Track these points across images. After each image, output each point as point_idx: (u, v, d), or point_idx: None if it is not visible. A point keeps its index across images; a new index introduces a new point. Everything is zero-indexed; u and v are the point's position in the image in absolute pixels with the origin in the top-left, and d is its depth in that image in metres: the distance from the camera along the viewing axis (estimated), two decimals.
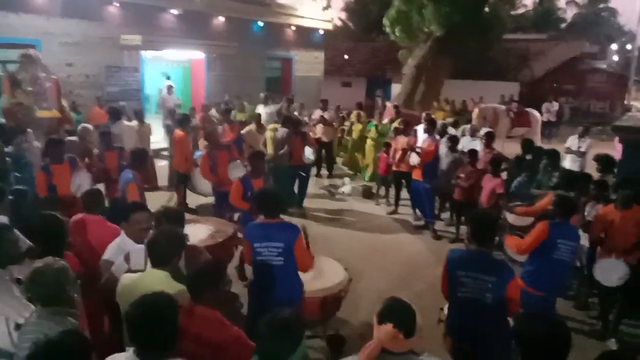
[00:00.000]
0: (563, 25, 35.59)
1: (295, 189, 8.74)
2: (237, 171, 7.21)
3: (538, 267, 4.24)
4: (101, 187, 5.73)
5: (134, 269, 3.32)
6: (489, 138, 8.37)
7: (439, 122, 9.58)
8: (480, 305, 3.25)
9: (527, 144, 8.10)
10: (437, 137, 8.48)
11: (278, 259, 3.67)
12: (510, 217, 5.93)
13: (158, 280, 2.72)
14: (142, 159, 5.75)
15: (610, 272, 4.63)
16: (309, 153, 8.55)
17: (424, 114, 9.94)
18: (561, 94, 23.15)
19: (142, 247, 3.18)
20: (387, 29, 14.87)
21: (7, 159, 6.17)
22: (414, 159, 7.91)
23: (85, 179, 5.74)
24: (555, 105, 17.77)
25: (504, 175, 7.36)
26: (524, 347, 2.23)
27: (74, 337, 2.10)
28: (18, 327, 2.67)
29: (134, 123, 9.09)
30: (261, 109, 11.81)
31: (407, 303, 2.37)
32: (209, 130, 7.92)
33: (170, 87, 13.63)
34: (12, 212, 4.13)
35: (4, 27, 10.50)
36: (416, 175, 8.03)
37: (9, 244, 3.02)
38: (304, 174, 8.71)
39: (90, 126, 8.32)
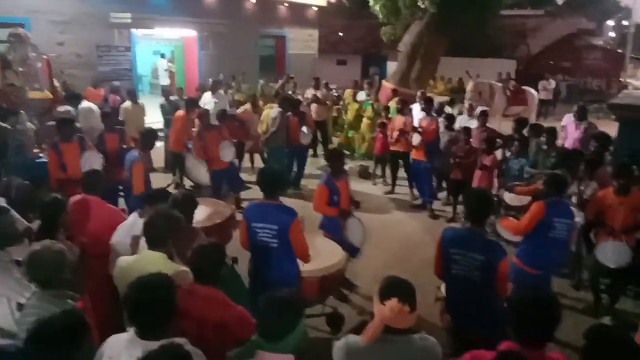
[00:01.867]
0: (560, 2, 35.23)
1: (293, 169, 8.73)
2: (226, 151, 7.20)
3: (535, 246, 4.27)
4: None
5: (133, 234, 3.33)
6: (484, 116, 8.35)
7: (436, 101, 9.51)
8: (471, 283, 3.29)
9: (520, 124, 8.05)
10: (435, 115, 8.46)
11: (273, 241, 3.68)
12: (507, 197, 5.94)
13: (155, 262, 2.72)
14: (151, 139, 5.76)
15: (614, 254, 4.65)
16: (306, 133, 8.49)
17: (419, 93, 9.88)
18: (558, 71, 23.05)
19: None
20: (372, 4, 14.70)
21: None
22: (415, 138, 7.88)
23: (97, 159, 5.73)
24: (552, 83, 17.70)
25: (499, 153, 7.36)
26: (514, 318, 2.27)
27: (72, 317, 2.11)
28: (20, 307, 2.68)
29: (128, 103, 9.00)
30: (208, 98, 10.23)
31: (405, 280, 2.40)
32: (200, 110, 7.82)
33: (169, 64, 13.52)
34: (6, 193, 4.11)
35: None
36: (417, 154, 8.04)
37: (7, 225, 3.05)
38: (301, 154, 8.66)
39: (94, 105, 8.25)
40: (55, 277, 2.56)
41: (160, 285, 2.24)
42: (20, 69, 7.88)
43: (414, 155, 8.15)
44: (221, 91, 11.02)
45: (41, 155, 6.66)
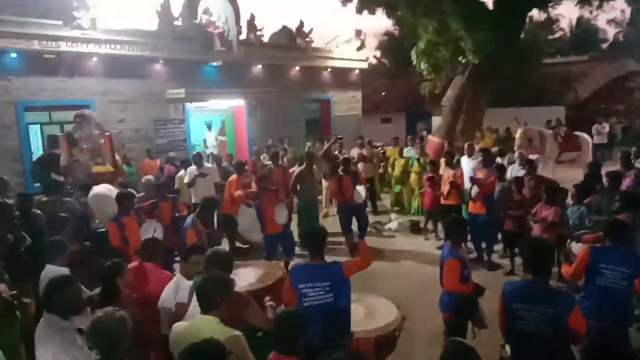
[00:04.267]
0: (604, 46, 34.70)
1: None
2: (281, 214, 7.33)
3: (585, 295, 4.06)
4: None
5: (177, 301, 3.38)
6: (531, 165, 8.14)
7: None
8: (540, 338, 3.07)
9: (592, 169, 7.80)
10: (493, 167, 8.28)
11: (328, 296, 3.63)
12: (574, 248, 5.64)
13: (208, 327, 2.73)
14: (209, 207, 5.98)
15: None
16: (359, 192, 8.44)
17: (466, 145, 9.80)
18: (610, 115, 22.35)
19: (190, 283, 3.24)
20: (414, 62, 15.00)
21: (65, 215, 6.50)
22: (474, 190, 7.75)
23: (159, 229, 5.97)
24: (606, 127, 17.14)
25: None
26: None
27: None
28: None
29: (182, 172, 9.41)
30: None
31: (468, 346, 2.28)
32: (259, 174, 8.10)
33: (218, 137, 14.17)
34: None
35: (61, 91, 11.26)
36: (474, 208, 7.85)
37: (72, 295, 3.14)
38: (359, 213, 8.64)
39: (152, 177, 8.69)
40: (116, 344, 2.61)
41: (212, 352, 2.24)
42: (85, 146, 8.49)
43: (470, 208, 7.95)
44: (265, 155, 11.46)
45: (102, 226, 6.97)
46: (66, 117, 10.88)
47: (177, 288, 3.68)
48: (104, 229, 6.42)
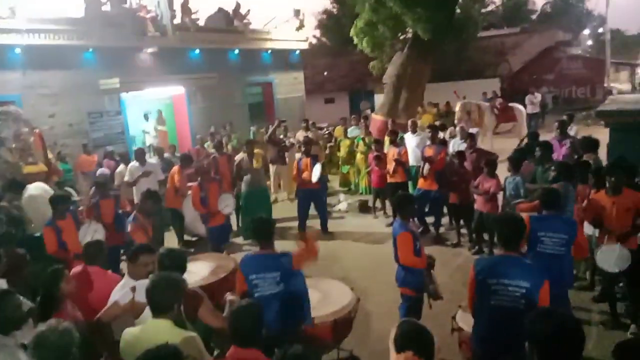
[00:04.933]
0: (534, 17, 36.16)
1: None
2: (226, 203, 7.22)
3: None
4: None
5: (136, 300, 3.26)
6: (472, 139, 8.41)
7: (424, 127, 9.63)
8: (514, 312, 3.12)
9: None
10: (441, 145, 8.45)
11: (277, 288, 3.68)
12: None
13: (161, 332, 2.65)
14: (152, 201, 5.75)
15: (612, 258, 4.58)
16: (316, 170, 8.31)
17: (409, 122, 9.98)
18: (542, 85, 23.44)
19: (147, 281, 3.13)
20: (356, 41, 15.05)
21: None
22: (426, 168, 7.87)
23: (99, 230, 5.71)
24: (537, 97, 17.94)
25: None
26: (537, 346, 2.19)
27: None
28: None
29: (122, 167, 9.04)
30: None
31: (422, 326, 2.32)
32: (200, 163, 7.87)
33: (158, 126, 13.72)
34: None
35: None
36: (426, 185, 7.98)
37: (12, 309, 2.97)
38: (318, 197, 8.61)
39: (107, 171, 8.29)
40: (64, 357, 2.50)
41: (168, 359, 2.18)
42: (14, 145, 7.97)
43: (421, 185, 8.08)
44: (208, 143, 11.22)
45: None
46: None
47: (125, 288, 3.52)
48: (40, 234, 6.08)
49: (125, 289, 3.43)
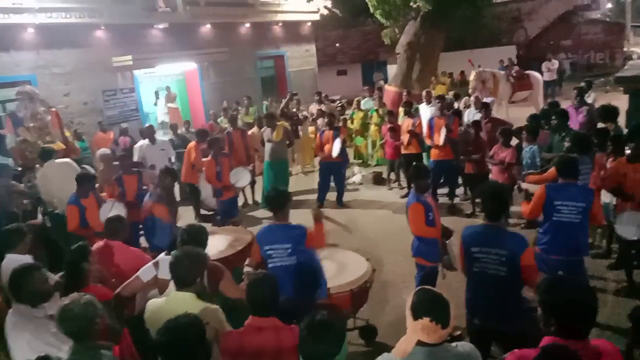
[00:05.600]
0: None
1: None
2: (240, 177, 7.26)
3: (545, 231, 4.29)
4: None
5: (160, 277, 3.35)
6: (487, 108, 8.30)
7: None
8: (496, 279, 3.26)
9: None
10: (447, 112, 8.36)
11: (291, 259, 3.77)
12: (526, 185, 5.88)
13: (183, 303, 2.72)
14: (172, 176, 5.81)
15: (630, 225, 4.53)
16: (336, 145, 8.30)
17: (424, 92, 9.87)
18: (559, 51, 22.83)
19: (168, 257, 3.19)
20: (372, 10, 14.77)
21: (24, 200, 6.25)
22: (442, 137, 7.77)
23: (120, 209, 5.70)
24: (555, 64, 17.51)
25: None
26: (550, 314, 2.21)
27: None
28: None
29: (142, 142, 9.03)
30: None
31: (438, 293, 2.35)
32: (213, 137, 7.87)
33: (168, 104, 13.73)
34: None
35: None
36: (441, 155, 7.89)
37: (39, 282, 3.08)
38: (337, 170, 8.65)
39: (108, 150, 8.34)
40: (87, 329, 2.59)
41: (188, 327, 2.25)
42: (32, 124, 8.08)
43: (435, 155, 7.99)
44: (222, 118, 11.17)
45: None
46: (7, 95, 10.30)
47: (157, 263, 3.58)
48: (60, 212, 6.20)
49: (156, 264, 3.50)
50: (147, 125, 9.49)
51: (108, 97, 12.67)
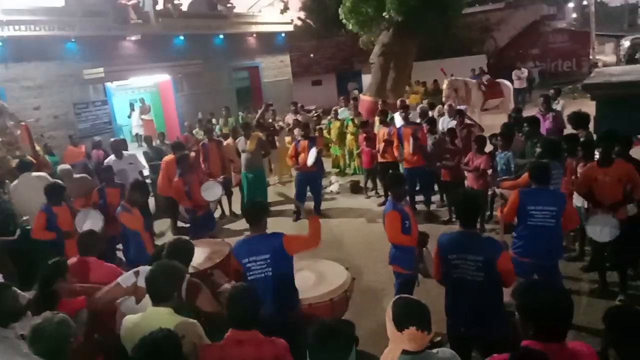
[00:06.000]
0: None
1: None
2: (213, 190, 7.07)
3: (518, 235, 4.39)
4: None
5: (140, 285, 3.28)
6: (460, 114, 8.45)
7: (418, 107, 9.62)
8: (475, 285, 3.29)
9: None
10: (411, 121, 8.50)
11: (267, 270, 3.70)
12: (500, 190, 5.97)
13: (159, 318, 2.67)
14: (142, 191, 5.68)
15: (602, 227, 4.64)
16: (311, 154, 8.26)
17: (398, 102, 9.99)
18: (528, 59, 23.47)
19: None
20: (344, 20, 14.94)
21: None
22: (412, 145, 7.85)
23: (98, 220, 5.65)
24: (524, 72, 17.97)
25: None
26: (527, 318, 2.25)
27: None
28: None
29: (111, 157, 8.90)
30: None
31: (417, 301, 2.37)
32: (180, 155, 7.38)
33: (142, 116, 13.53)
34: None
35: None
36: (414, 162, 7.96)
37: (10, 301, 2.99)
38: (314, 181, 8.64)
39: (68, 166, 8.13)
40: (60, 349, 2.53)
41: (163, 341, 2.21)
42: (1, 139, 7.88)
43: (410, 164, 8.02)
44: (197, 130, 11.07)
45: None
46: None
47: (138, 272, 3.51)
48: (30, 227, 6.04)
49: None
50: (112, 139, 9.16)
51: (80, 110, 12.43)
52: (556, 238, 4.37)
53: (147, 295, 2.91)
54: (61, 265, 3.45)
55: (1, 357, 2.83)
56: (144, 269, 3.28)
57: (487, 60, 22.38)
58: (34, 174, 6.67)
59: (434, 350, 2.33)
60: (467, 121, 8.70)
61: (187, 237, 3.93)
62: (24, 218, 6.30)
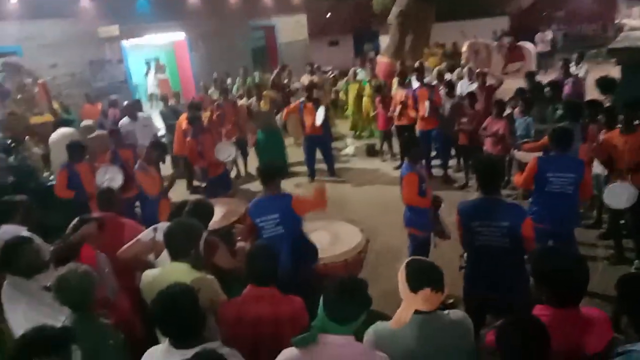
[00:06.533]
0: None
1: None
2: (226, 150, 7.04)
3: (535, 201, 4.35)
4: None
5: (158, 239, 3.38)
6: (482, 76, 8.28)
7: (435, 70, 9.44)
8: (500, 251, 3.27)
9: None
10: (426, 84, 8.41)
11: (279, 229, 3.80)
12: (519, 155, 5.90)
13: (177, 273, 2.73)
14: (160, 150, 5.79)
15: (619, 194, 4.57)
16: (319, 114, 8.16)
17: (417, 64, 9.78)
18: (552, 22, 22.69)
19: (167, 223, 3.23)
20: None
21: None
22: (427, 108, 7.77)
23: (117, 175, 5.74)
24: (548, 35, 17.41)
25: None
26: (541, 283, 2.26)
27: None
28: None
29: (125, 119, 8.87)
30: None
31: (430, 262, 2.38)
32: (192, 115, 7.41)
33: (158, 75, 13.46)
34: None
35: None
36: (427, 125, 7.94)
37: (33, 255, 3.07)
38: (323, 144, 8.57)
39: (91, 122, 8.18)
40: (84, 298, 2.61)
41: (180, 295, 2.26)
42: (19, 97, 7.95)
43: (423, 126, 8.00)
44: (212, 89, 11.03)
45: (51, 178, 6.70)
46: None
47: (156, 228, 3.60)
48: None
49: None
50: (126, 102, 9.16)
51: (95, 69, 12.40)
52: (573, 206, 4.33)
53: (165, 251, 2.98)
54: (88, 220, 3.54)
55: (26, 307, 2.94)
56: (163, 225, 3.35)
57: (509, 22, 21.68)
58: (67, 130, 6.82)
59: (445, 312, 2.35)
60: (490, 82, 8.48)
61: (208, 200, 4.01)
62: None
